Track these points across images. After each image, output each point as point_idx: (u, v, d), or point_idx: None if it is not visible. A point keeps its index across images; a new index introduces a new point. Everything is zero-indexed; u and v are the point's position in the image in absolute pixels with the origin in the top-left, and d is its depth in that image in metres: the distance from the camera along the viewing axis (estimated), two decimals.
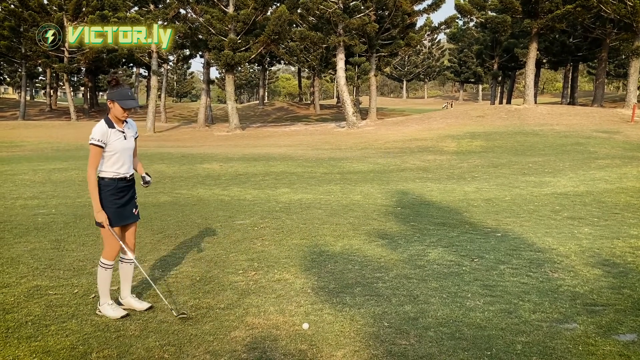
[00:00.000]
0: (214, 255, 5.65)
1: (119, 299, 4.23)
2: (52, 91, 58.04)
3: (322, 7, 30.02)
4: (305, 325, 3.78)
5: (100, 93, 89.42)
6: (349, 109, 32.26)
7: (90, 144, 3.85)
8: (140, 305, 4.16)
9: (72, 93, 47.18)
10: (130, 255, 4.16)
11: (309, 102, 66.23)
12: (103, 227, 3.95)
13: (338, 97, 57.30)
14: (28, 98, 59.49)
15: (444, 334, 3.63)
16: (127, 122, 4.03)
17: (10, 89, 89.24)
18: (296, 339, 3.59)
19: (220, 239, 6.39)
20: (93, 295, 4.43)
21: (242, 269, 5.15)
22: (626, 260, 5.31)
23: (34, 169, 13.87)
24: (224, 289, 4.59)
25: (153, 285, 4.30)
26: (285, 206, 8.67)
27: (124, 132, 3.96)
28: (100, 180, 3.96)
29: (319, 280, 4.79)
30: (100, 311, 4.04)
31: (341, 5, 31.14)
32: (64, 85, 50.41)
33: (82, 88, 64.86)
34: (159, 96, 48.13)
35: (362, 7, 32.11)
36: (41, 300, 4.29)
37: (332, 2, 30.47)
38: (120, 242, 4.03)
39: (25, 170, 13.77)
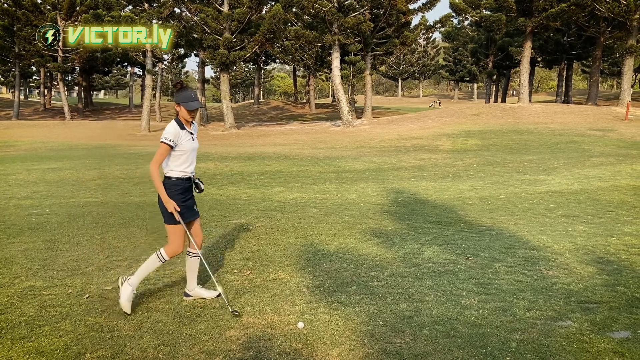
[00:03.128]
0: (209, 254, 5.64)
1: (186, 291, 4.34)
2: (46, 91, 57.67)
3: (317, 5, 30.00)
4: (301, 324, 3.77)
5: (95, 92, 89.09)
6: (344, 107, 32.26)
7: (162, 141, 3.97)
8: (209, 293, 4.31)
9: (66, 92, 47.00)
10: (196, 249, 4.29)
11: (305, 101, 66.11)
12: (171, 224, 4.04)
13: (333, 96, 57.26)
14: (22, 97, 59.24)
15: (439, 332, 3.63)
16: (193, 123, 4.18)
17: (4, 89, 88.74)
18: (291, 338, 3.58)
19: (215, 238, 6.38)
20: (87, 295, 4.41)
21: (237, 268, 5.14)
22: (620, 258, 5.33)
23: (27, 169, 13.81)
24: None
25: (214, 279, 4.33)
26: (281, 205, 8.66)
27: (192, 133, 4.13)
28: (168, 179, 4.06)
29: (314, 279, 4.79)
30: (121, 288, 4.06)
31: (336, 4, 31.12)
32: (58, 84, 50.14)
33: (77, 87, 64.59)
34: (154, 95, 47.96)
35: (357, 6, 32.10)
36: (35, 301, 4.27)
37: (326, 0, 30.44)
38: (191, 236, 4.20)
39: (19, 170, 13.70)
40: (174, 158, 4.04)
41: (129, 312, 4.00)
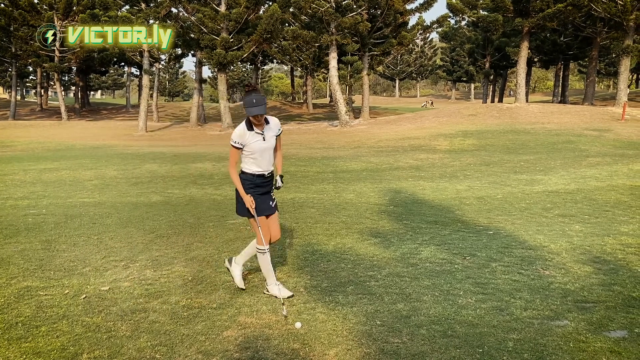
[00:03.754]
0: (206, 254, 5.63)
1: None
2: (42, 91, 57.55)
3: (314, 5, 30.00)
4: (298, 324, 3.77)
5: (92, 92, 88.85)
6: (342, 107, 32.27)
7: (230, 144, 4.16)
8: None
9: (63, 92, 46.84)
10: (263, 245, 4.31)
11: (302, 101, 66.15)
12: (249, 217, 4.25)
13: (331, 96, 57.26)
14: (18, 98, 59.03)
15: (436, 332, 3.64)
16: (269, 122, 4.16)
17: (0, 89, 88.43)
18: (289, 338, 3.58)
19: (212, 238, 6.37)
20: (84, 295, 4.40)
21: None
22: (617, 257, 5.35)
23: (24, 169, 13.77)
24: (216, 288, 4.57)
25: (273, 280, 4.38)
26: (278, 205, 8.65)
27: (262, 134, 4.12)
28: (242, 174, 4.23)
29: (312, 279, 4.79)
30: (267, 291, 4.36)
31: (333, 4, 31.12)
32: (54, 84, 50.00)
33: (73, 87, 64.42)
34: (151, 95, 47.88)
35: (355, 6, 32.11)
36: (31, 301, 4.26)
37: (324, 0, 30.44)
38: (260, 231, 4.25)
39: (16, 170, 13.66)
40: (245, 158, 4.17)
41: (243, 287, 4.43)
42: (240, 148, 4.10)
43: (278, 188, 4.36)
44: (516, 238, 6.23)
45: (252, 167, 4.18)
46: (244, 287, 4.47)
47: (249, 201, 4.12)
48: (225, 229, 6.87)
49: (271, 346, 3.47)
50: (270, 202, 4.33)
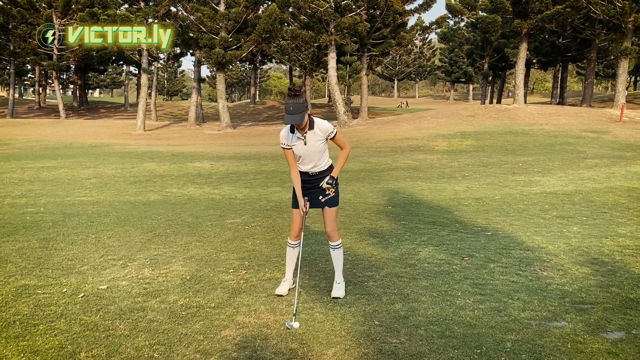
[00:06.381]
0: (205, 254, 5.63)
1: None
2: (41, 89, 57.40)
3: (313, 5, 30.01)
4: (296, 324, 3.77)
5: (90, 91, 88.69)
6: (340, 108, 32.28)
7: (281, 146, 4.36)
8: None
9: (61, 91, 46.76)
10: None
11: None
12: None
13: (329, 96, 57.27)
14: (17, 96, 58.89)
15: (434, 332, 3.64)
16: (313, 127, 4.20)
17: None
18: (287, 337, 3.58)
19: (210, 237, 6.37)
20: (82, 294, 4.40)
21: (233, 268, 5.14)
22: (614, 259, 5.36)
23: (22, 167, 13.75)
24: (214, 288, 4.57)
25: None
26: (277, 205, 8.66)
27: (304, 139, 4.20)
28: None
29: (310, 279, 4.79)
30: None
31: (332, 4, 31.13)
32: (53, 83, 49.90)
33: (72, 86, 64.29)
34: (150, 94, 47.79)
35: (354, 6, 32.12)
36: (29, 300, 4.25)
37: (323, 1, 30.44)
38: (304, 223, 4.40)
39: (14, 168, 13.64)
40: (296, 157, 4.31)
41: (280, 292, 4.41)
42: (289, 148, 4.24)
43: (321, 187, 4.33)
44: (514, 239, 6.25)
45: (299, 165, 4.33)
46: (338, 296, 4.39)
47: (302, 201, 4.27)
48: (223, 228, 6.87)
49: (269, 346, 3.47)
50: (320, 197, 4.34)
